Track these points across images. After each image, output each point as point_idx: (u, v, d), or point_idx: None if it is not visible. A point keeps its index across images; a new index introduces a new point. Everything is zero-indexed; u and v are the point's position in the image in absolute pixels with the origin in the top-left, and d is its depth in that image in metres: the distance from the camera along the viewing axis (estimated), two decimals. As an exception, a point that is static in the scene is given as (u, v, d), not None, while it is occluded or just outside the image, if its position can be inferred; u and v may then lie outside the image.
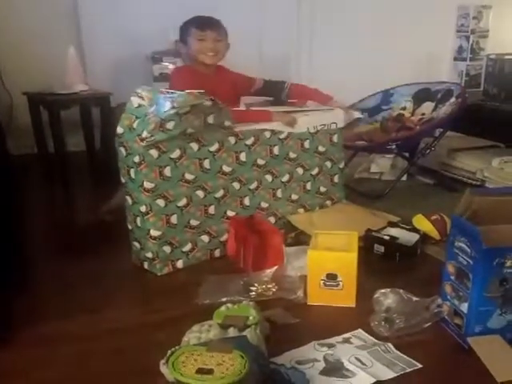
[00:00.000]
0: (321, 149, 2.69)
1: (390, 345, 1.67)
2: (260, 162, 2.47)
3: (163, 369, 1.46)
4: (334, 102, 2.76)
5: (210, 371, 1.34)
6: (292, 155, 2.58)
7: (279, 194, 2.57)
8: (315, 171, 2.69)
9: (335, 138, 2.73)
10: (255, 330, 1.59)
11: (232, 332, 1.58)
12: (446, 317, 1.76)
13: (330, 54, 4.56)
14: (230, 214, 2.39)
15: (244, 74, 2.88)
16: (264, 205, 2.51)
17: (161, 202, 2.16)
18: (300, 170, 2.64)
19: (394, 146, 3.31)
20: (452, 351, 1.67)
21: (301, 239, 2.38)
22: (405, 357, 1.61)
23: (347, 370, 1.55)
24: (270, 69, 4.41)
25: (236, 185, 2.39)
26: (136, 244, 2.26)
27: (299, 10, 4.54)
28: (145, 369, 1.54)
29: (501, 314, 1.64)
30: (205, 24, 2.62)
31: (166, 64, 3.88)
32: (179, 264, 2.26)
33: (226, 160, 2.34)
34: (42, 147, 3.71)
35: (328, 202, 2.78)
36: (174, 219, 2.21)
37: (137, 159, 2.10)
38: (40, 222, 2.91)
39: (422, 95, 3.64)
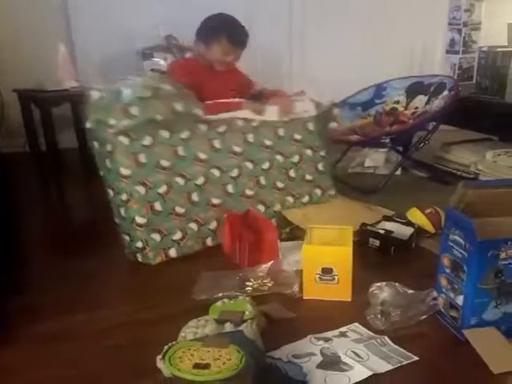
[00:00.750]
0: (297, 137, 2.72)
1: (386, 338, 1.67)
2: (236, 149, 2.51)
3: (160, 364, 1.45)
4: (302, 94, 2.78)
5: (206, 366, 1.33)
6: (268, 142, 2.62)
7: (263, 181, 2.58)
8: (296, 159, 2.71)
9: (310, 126, 2.78)
10: (251, 324, 1.59)
11: (228, 327, 1.58)
12: (442, 309, 1.77)
13: (321, 47, 4.56)
14: (215, 201, 2.41)
15: (247, 77, 2.88)
16: (249, 192, 2.53)
17: (141, 189, 2.21)
18: (280, 158, 2.66)
19: (387, 140, 3.31)
20: (448, 343, 1.67)
21: (296, 234, 2.38)
22: (401, 350, 1.61)
23: (344, 363, 1.55)
24: (261, 65, 4.42)
25: (215, 172, 2.43)
26: (126, 237, 2.27)
27: (291, 5, 4.53)
28: (142, 365, 1.53)
29: (496, 306, 1.64)
30: (239, 40, 2.59)
31: (157, 60, 3.87)
32: (172, 252, 2.27)
33: (200, 147, 2.40)
34: (34, 145, 3.69)
35: (317, 191, 2.78)
36: (157, 206, 2.24)
37: (109, 148, 2.17)
38: (33, 221, 2.90)
39: (414, 89, 3.64)
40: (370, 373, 1.50)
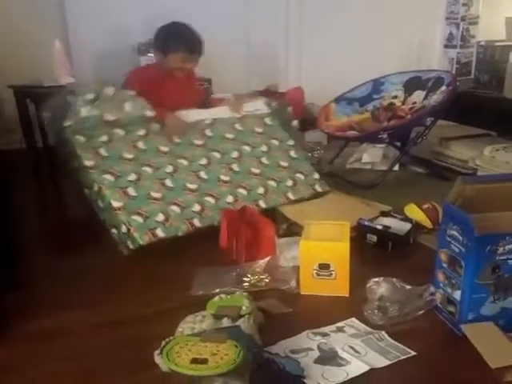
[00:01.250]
0: (258, 130, 2.95)
1: (383, 333, 1.67)
2: (197, 142, 2.70)
3: (158, 359, 1.45)
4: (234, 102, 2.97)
5: (204, 361, 1.34)
6: (229, 135, 2.82)
7: (236, 168, 2.71)
8: (264, 148, 2.88)
9: (268, 121, 3.03)
10: (249, 319, 1.59)
11: (225, 322, 1.58)
12: (439, 304, 1.77)
13: (318, 42, 4.54)
14: (191, 186, 2.51)
15: (199, 90, 3.12)
16: (224, 178, 2.63)
17: (109, 177, 2.35)
18: (247, 147, 2.83)
19: (385, 136, 3.30)
20: (446, 338, 1.68)
21: (293, 230, 2.38)
22: (398, 345, 1.61)
23: (341, 358, 1.55)
24: (258, 58, 4.42)
25: (183, 161, 2.59)
26: (113, 230, 2.29)
27: (288, 0, 4.52)
28: (139, 360, 1.53)
29: (493, 301, 1.65)
30: (194, 48, 2.70)
31: (152, 55, 3.84)
32: (159, 232, 2.28)
33: (159, 141, 2.58)
34: (30, 141, 3.67)
35: (299, 175, 2.84)
36: (131, 191, 2.35)
37: (70, 147, 2.39)
38: (29, 217, 2.90)
39: (412, 84, 3.63)
40: (367, 368, 1.50)
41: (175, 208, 2.39)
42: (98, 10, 3.93)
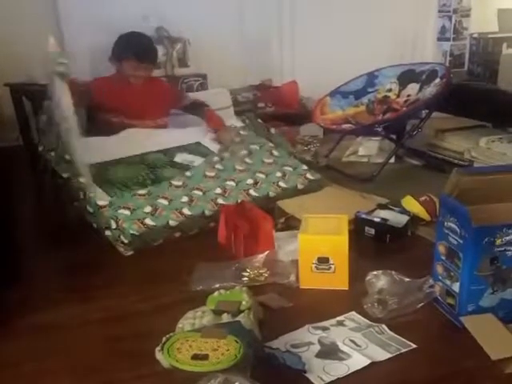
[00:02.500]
0: (236, 139, 3.02)
1: (383, 326, 1.67)
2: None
3: (159, 356, 1.45)
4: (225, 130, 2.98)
5: (205, 357, 1.34)
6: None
7: (219, 167, 2.75)
8: (244, 152, 2.92)
9: (244, 132, 3.12)
10: (249, 314, 1.59)
11: (225, 317, 1.58)
12: (439, 297, 1.77)
13: (312, 37, 4.53)
14: (176, 183, 2.53)
15: (176, 89, 3.06)
16: (210, 174, 2.67)
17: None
18: (227, 154, 2.87)
19: (380, 129, 3.31)
20: (445, 331, 1.68)
21: (291, 224, 2.37)
22: (399, 337, 1.62)
23: (342, 352, 1.55)
24: (252, 53, 4.41)
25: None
26: (107, 232, 2.29)
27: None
28: (140, 356, 1.53)
29: (493, 293, 1.65)
30: (143, 56, 2.74)
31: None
32: (148, 221, 2.29)
33: None
34: (27, 138, 3.66)
35: (287, 168, 2.86)
36: (115, 193, 2.41)
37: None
38: (27, 213, 2.89)
39: (406, 76, 3.63)
40: (368, 361, 1.50)
41: (163, 201, 2.41)
42: (92, 6, 3.90)
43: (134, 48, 2.75)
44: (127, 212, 2.30)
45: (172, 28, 4.00)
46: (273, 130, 3.31)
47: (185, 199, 2.45)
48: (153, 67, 2.85)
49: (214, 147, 2.89)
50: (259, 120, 3.36)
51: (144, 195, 2.42)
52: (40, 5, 3.87)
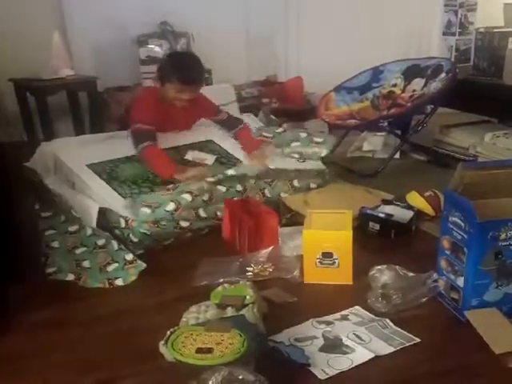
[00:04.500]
0: None
1: (387, 320, 1.68)
2: None
3: (163, 349, 1.46)
4: (258, 154, 2.75)
5: (209, 350, 1.35)
6: None
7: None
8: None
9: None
10: (253, 308, 1.60)
11: (229, 312, 1.59)
12: (443, 291, 1.77)
13: (317, 32, 4.51)
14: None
15: (214, 106, 2.88)
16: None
17: None
18: None
19: (385, 124, 3.30)
20: (449, 325, 1.68)
21: (296, 220, 2.36)
22: (403, 332, 1.62)
23: (346, 346, 1.56)
24: (257, 49, 4.40)
25: None
26: (116, 231, 2.26)
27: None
28: (145, 350, 1.54)
29: (497, 287, 1.65)
30: (188, 79, 2.59)
31: (152, 47, 3.85)
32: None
33: None
34: (32, 134, 3.67)
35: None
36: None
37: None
38: (30, 209, 2.88)
39: (412, 71, 3.61)
40: (372, 355, 1.51)
41: (187, 196, 2.30)
42: (96, 2, 3.90)
43: (180, 72, 2.58)
44: (148, 210, 2.20)
45: (176, 23, 3.99)
46: (285, 126, 3.27)
47: (206, 197, 2.36)
48: (199, 89, 2.71)
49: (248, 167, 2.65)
50: (272, 116, 3.33)
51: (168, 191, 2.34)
52: (44, 0, 3.86)
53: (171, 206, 2.22)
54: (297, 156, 2.83)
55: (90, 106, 3.75)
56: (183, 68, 2.62)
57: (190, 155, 2.70)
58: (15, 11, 3.72)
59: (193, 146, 2.76)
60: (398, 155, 3.49)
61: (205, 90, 3.70)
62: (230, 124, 2.88)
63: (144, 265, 2.06)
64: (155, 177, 2.50)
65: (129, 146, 2.61)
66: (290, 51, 4.63)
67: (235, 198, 2.40)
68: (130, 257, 2.10)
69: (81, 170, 2.45)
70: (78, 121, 3.79)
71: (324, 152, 2.84)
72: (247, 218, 2.17)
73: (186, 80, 2.59)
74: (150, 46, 3.85)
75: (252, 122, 3.21)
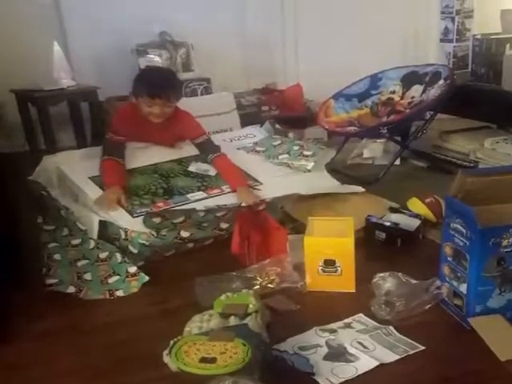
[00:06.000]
0: None
1: (391, 328, 1.68)
2: None
3: (167, 359, 1.46)
4: (245, 189, 2.58)
5: (213, 360, 1.34)
6: None
7: None
8: None
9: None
10: (256, 317, 1.60)
11: (233, 321, 1.59)
12: (446, 298, 1.77)
13: (315, 39, 4.53)
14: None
15: (195, 126, 2.80)
16: None
17: None
18: None
19: (385, 131, 3.29)
20: (453, 332, 1.68)
21: (300, 229, 2.33)
22: (407, 339, 1.62)
23: (350, 354, 1.56)
24: (256, 56, 4.42)
25: None
26: (116, 243, 2.25)
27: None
28: (148, 360, 1.54)
29: (500, 294, 1.65)
30: (155, 92, 2.56)
31: (152, 56, 3.86)
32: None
33: None
34: (33, 144, 3.68)
35: None
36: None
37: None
38: (32, 219, 2.89)
39: (410, 78, 3.62)
40: (376, 363, 1.50)
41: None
42: (95, 11, 3.91)
43: (147, 85, 2.59)
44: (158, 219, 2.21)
45: (175, 32, 4.00)
46: (291, 135, 3.30)
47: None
48: (171, 103, 2.64)
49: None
50: (278, 126, 3.34)
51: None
52: (43, 11, 3.88)
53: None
54: (283, 168, 2.83)
55: (92, 116, 3.75)
56: (151, 82, 2.62)
57: (194, 167, 2.69)
58: (15, 22, 3.74)
59: (196, 158, 2.76)
60: (398, 162, 3.49)
61: (204, 99, 3.74)
62: (206, 148, 2.77)
63: (147, 278, 2.05)
64: (157, 189, 2.50)
65: (129, 159, 2.62)
66: (288, 59, 4.65)
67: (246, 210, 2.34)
68: (133, 269, 2.09)
69: (83, 182, 2.46)
70: (80, 130, 3.80)
71: (310, 165, 2.83)
72: (256, 232, 2.16)
73: (153, 94, 2.56)
74: (149, 56, 3.86)
75: (257, 132, 3.23)
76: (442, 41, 4.17)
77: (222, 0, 4.27)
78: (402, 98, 3.61)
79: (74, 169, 2.55)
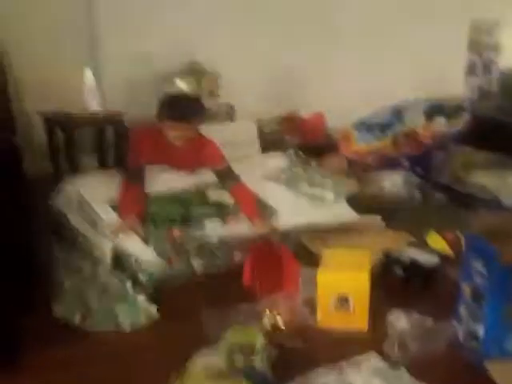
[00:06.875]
0: None
1: (403, 369, 1.63)
2: None
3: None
4: (257, 222, 2.57)
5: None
6: None
7: None
8: None
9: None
10: (263, 356, 1.57)
11: (239, 359, 1.56)
12: (462, 340, 1.73)
13: (338, 67, 4.54)
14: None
15: (216, 153, 2.81)
16: None
17: None
18: None
19: (406, 162, 3.29)
20: (468, 375, 1.64)
21: (315, 261, 2.32)
22: (419, 383, 1.58)
23: (359, 395, 1.53)
24: (280, 84, 4.44)
25: None
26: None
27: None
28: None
29: (517, 337, 1.61)
30: (177, 117, 2.62)
31: (179, 84, 3.90)
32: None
33: None
34: (57, 167, 3.72)
35: None
36: None
37: None
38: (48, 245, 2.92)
39: (433, 110, 3.59)
40: (386, 406, 1.47)
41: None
42: (128, 39, 3.98)
43: (171, 108, 2.65)
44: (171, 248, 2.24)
45: (204, 61, 4.05)
46: (312, 164, 3.30)
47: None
48: (194, 127, 2.68)
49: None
50: (301, 154, 3.37)
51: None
52: (77, 35, 3.95)
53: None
54: (302, 198, 2.82)
55: (116, 141, 3.79)
56: (175, 105, 2.68)
57: (213, 194, 2.71)
58: (49, 45, 3.81)
59: (216, 185, 2.77)
60: (418, 194, 3.44)
61: (227, 127, 3.77)
62: (225, 176, 2.76)
63: (155, 312, 2.03)
64: (175, 216, 2.51)
65: (148, 183, 2.64)
66: (311, 87, 4.65)
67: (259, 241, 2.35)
68: (142, 301, 2.07)
69: (101, 207, 2.48)
70: (104, 155, 3.83)
71: (329, 195, 2.83)
72: (269, 264, 2.14)
73: (177, 117, 2.61)
74: (177, 83, 3.91)
75: (278, 160, 3.24)
76: (468, 74, 4.17)
77: (249, 30, 4.30)
78: (424, 130, 3.59)
79: (93, 193, 2.58)
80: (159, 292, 2.18)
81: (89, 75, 3.66)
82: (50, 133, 3.68)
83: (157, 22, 4.04)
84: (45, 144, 3.72)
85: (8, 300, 1.82)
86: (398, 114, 3.68)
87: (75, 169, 3.48)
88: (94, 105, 3.64)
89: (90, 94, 3.65)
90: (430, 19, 4.51)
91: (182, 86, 3.89)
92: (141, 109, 3.79)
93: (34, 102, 3.67)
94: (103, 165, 3.77)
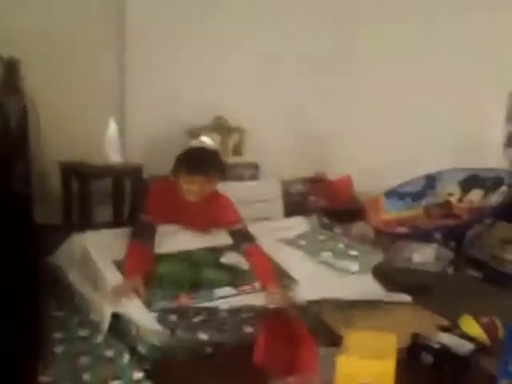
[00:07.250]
0: None
1: None
2: None
3: None
4: (275, 292, 2.39)
5: None
6: None
7: None
8: None
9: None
10: None
11: None
12: None
13: (369, 132, 4.44)
14: None
15: (232, 212, 2.71)
16: None
17: None
18: None
19: (439, 235, 3.14)
20: None
21: (335, 341, 2.10)
22: None
23: None
24: (307, 145, 4.36)
25: None
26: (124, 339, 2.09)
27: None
28: None
29: None
30: (194, 169, 2.54)
31: (204, 139, 3.86)
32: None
33: None
34: (68, 217, 3.64)
35: None
36: None
37: None
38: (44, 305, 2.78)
39: (470, 181, 3.49)
40: None
41: None
42: (154, 93, 3.97)
43: (187, 161, 2.58)
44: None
45: (230, 117, 4.01)
46: (337, 230, 3.19)
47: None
48: (210, 182, 2.60)
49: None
50: (325, 219, 3.26)
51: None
52: (104, 87, 3.95)
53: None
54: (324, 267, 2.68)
55: (132, 193, 3.71)
56: (192, 159, 2.61)
57: (226, 258, 2.55)
58: (75, 95, 3.80)
59: (231, 248, 2.64)
60: (451, 270, 3.28)
61: (250, 185, 3.67)
62: (240, 237, 2.65)
63: None
64: (184, 280, 2.35)
65: (158, 242, 2.52)
66: (340, 149, 4.56)
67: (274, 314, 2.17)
68: (138, 376, 1.87)
69: (106, 265, 2.35)
70: (119, 207, 3.74)
71: (354, 267, 2.68)
72: (283, 341, 1.95)
73: (193, 170, 2.53)
74: (201, 138, 3.86)
75: (301, 224, 3.11)
76: (506, 146, 4.07)
77: (277, 88, 4.29)
78: (459, 202, 3.45)
79: (100, 249, 2.46)
80: (159, 367, 1.97)
81: (113, 126, 3.62)
82: (66, 182, 3.62)
83: (183, 76, 4.04)
84: (59, 192, 3.65)
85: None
86: (432, 182, 3.56)
87: (87, 221, 3.38)
88: (115, 156, 3.61)
89: (113, 146, 3.62)
90: (468, 88, 4.41)
91: (207, 141, 3.85)
92: (163, 163, 3.72)
93: (53, 149, 3.62)
94: (118, 217, 3.67)
